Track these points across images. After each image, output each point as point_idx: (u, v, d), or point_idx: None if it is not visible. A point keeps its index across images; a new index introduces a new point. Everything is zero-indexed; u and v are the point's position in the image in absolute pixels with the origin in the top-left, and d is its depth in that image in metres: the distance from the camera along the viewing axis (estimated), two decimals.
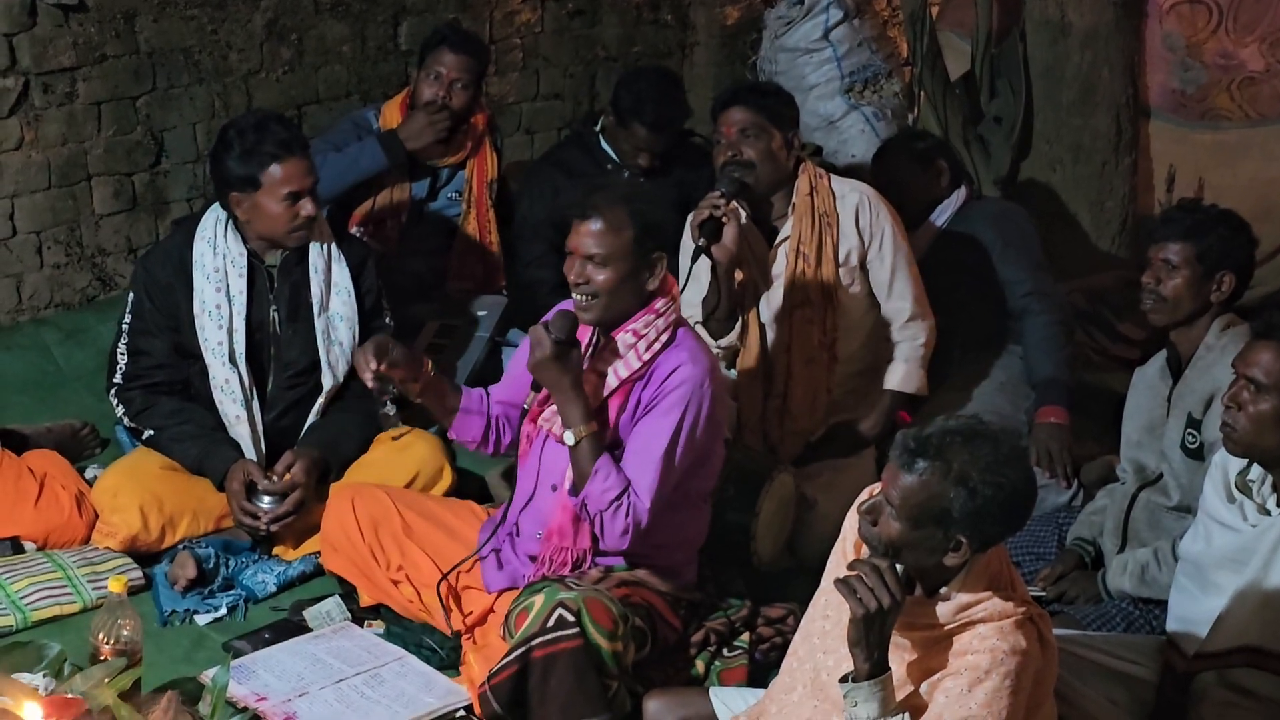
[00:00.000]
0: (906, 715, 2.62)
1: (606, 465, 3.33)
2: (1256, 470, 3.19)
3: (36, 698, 3.00)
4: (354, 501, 3.70)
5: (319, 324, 4.06)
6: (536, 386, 3.43)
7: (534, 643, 3.15)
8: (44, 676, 3.18)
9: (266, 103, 5.22)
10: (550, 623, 3.15)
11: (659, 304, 3.41)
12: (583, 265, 3.35)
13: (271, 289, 4.04)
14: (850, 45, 6.17)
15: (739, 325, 4.12)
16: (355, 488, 3.81)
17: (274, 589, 3.88)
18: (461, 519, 3.73)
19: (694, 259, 3.95)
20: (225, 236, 4.00)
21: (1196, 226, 3.65)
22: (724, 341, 4.11)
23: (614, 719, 3.19)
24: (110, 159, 5.00)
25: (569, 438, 3.34)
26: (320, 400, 4.08)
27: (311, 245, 4.04)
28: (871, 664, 2.61)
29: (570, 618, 3.15)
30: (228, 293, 3.99)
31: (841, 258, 4.17)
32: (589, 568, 3.43)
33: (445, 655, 3.59)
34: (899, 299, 4.26)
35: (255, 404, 4.03)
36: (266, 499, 3.93)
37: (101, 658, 3.18)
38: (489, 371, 4.65)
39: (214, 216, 4.03)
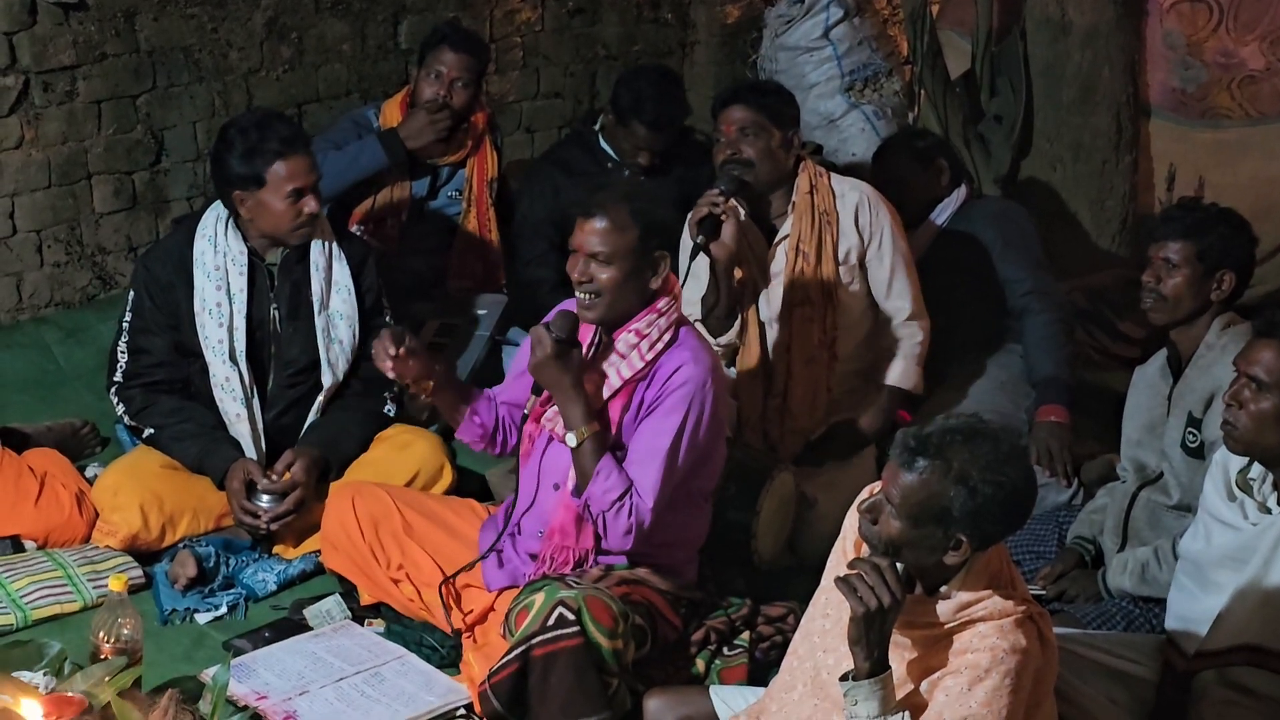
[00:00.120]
0: (906, 714, 2.62)
1: (609, 466, 3.33)
2: (1257, 469, 3.19)
3: (37, 696, 3.00)
4: (354, 500, 3.70)
5: (319, 322, 4.06)
6: (537, 389, 3.43)
7: (534, 641, 3.15)
8: (44, 675, 3.18)
9: (267, 101, 5.22)
10: (550, 621, 3.15)
11: (661, 303, 3.41)
12: (586, 263, 3.35)
13: (272, 287, 4.04)
14: (850, 44, 6.18)
15: (738, 323, 4.12)
16: (355, 486, 3.81)
17: (274, 588, 3.88)
18: (462, 518, 3.73)
19: (693, 257, 3.95)
20: (226, 235, 4.00)
21: (1197, 225, 3.65)
22: (723, 339, 4.12)
23: (614, 717, 3.19)
24: (110, 158, 5.00)
25: (571, 439, 3.34)
26: (320, 399, 4.08)
27: (313, 243, 4.04)
28: (872, 662, 2.61)
29: (570, 616, 3.15)
30: (228, 291, 3.99)
31: (841, 256, 4.17)
32: (590, 566, 3.42)
33: (445, 654, 3.59)
34: (898, 298, 4.26)
35: (255, 402, 4.03)
36: (266, 498, 3.93)
37: (102, 656, 3.18)
38: (489, 370, 4.66)
39: (215, 215, 4.03)
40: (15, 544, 3.88)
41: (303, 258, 4.04)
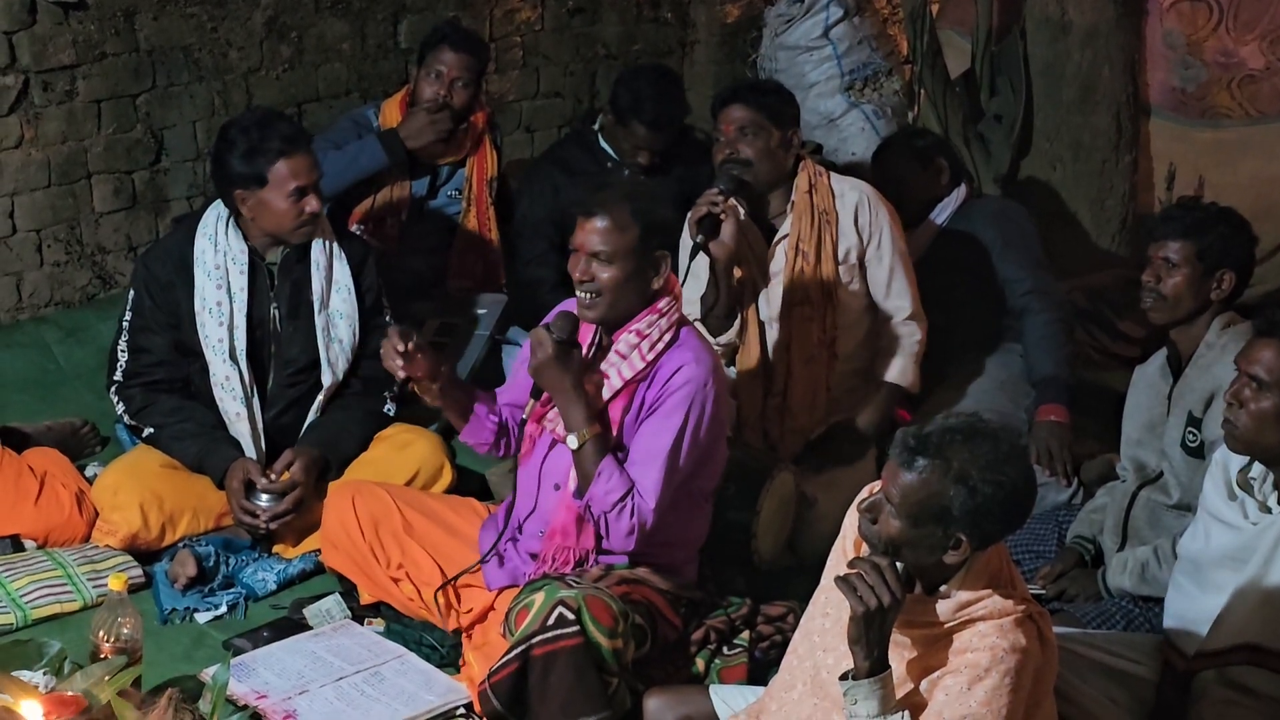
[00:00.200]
0: (906, 713, 2.62)
1: (610, 467, 3.33)
2: (1258, 468, 3.19)
3: (36, 695, 3.00)
4: (354, 499, 3.70)
5: (319, 321, 4.06)
6: (536, 392, 3.42)
7: (534, 640, 3.15)
8: (44, 674, 3.18)
9: (266, 100, 5.22)
10: (550, 621, 3.15)
11: (662, 303, 3.41)
12: (587, 263, 3.35)
13: (272, 286, 4.04)
14: (850, 43, 6.18)
15: (737, 322, 4.12)
16: (356, 485, 3.81)
17: (274, 587, 3.88)
18: (462, 517, 3.73)
19: (692, 256, 3.95)
20: (227, 233, 4.00)
21: (1196, 225, 3.65)
22: (723, 339, 4.11)
23: (614, 717, 3.18)
24: (110, 157, 5.00)
25: (572, 441, 3.33)
26: (320, 398, 4.08)
27: (313, 243, 4.04)
28: (871, 662, 2.61)
29: (570, 616, 3.15)
30: (228, 289, 3.99)
31: (840, 255, 4.17)
32: (591, 566, 3.42)
33: (445, 653, 3.59)
34: (897, 298, 4.26)
35: (255, 401, 4.03)
36: (265, 497, 3.93)
37: (102, 656, 3.17)
38: (489, 370, 4.66)
39: (215, 213, 4.03)
40: (15, 543, 3.88)
41: (303, 257, 4.04)
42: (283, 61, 5.34)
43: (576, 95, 6.28)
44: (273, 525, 3.93)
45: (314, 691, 3.40)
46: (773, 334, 4.20)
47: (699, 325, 3.95)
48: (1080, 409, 4.43)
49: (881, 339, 4.31)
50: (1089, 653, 3.29)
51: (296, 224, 3.94)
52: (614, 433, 3.39)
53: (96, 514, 3.95)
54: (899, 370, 4.29)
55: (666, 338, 3.39)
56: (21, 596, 3.68)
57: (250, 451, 4.01)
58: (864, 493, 2.78)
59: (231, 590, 3.85)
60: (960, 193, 4.79)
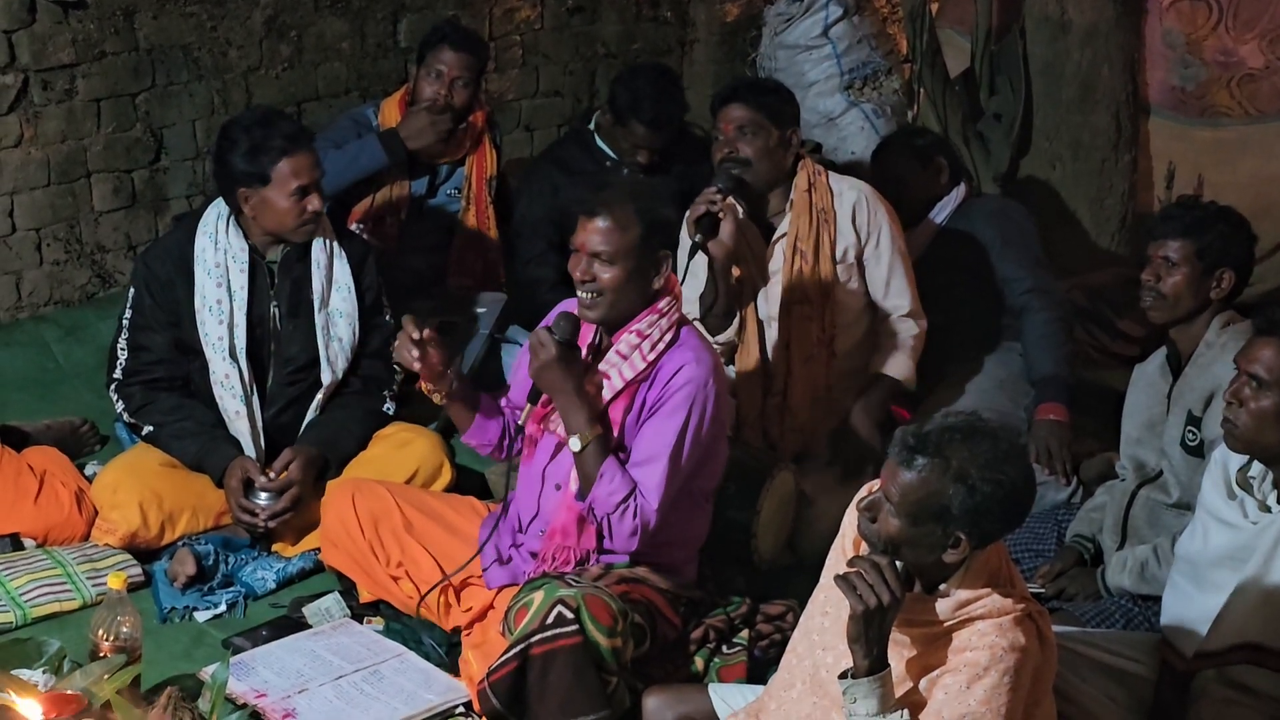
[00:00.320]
0: (905, 712, 2.62)
1: (612, 468, 3.32)
2: (1257, 467, 3.19)
3: (36, 694, 3.00)
4: (354, 497, 3.70)
5: (319, 320, 4.06)
6: (533, 397, 3.42)
7: (533, 639, 3.15)
8: (43, 673, 3.19)
9: (266, 100, 5.22)
10: (549, 620, 3.15)
11: (662, 303, 3.40)
12: (589, 263, 3.34)
13: (272, 285, 4.04)
14: (850, 42, 6.17)
15: (736, 321, 4.12)
16: (355, 483, 3.80)
17: (273, 586, 3.88)
18: (462, 515, 3.73)
19: (691, 255, 3.95)
20: (227, 232, 4.00)
21: (1196, 224, 3.65)
22: (722, 338, 4.11)
23: (613, 715, 3.18)
24: (110, 156, 5.00)
25: (574, 443, 3.33)
26: (319, 397, 4.08)
27: (314, 241, 4.04)
28: (871, 660, 2.61)
29: (569, 615, 3.15)
30: (229, 288, 3.99)
31: (839, 255, 4.17)
32: (591, 565, 3.42)
33: (445, 652, 3.59)
34: (896, 297, 4.26)
35: (255, 399, 4.03)
36: (264, 495, 3.94)
37: (101, 654, 3.18)
38: (489, 368, 4.66)
39: (216, 212, 4.03)
40: (15, 542, 3.88)
41: (303, 256, 4.04)
42: (282, 60, 5.34)
43: (576, 94, 6.28)
44: (271, 524, 3.93)
45: (313, 690, 3.40)
46: (772, 333, 4.20)
47: (698, 324, 3.95)
48: (1080, 408, 4.43)
49: (880, 336, 4.31)
50: (1088, 651, 3.29)
51: (298, 223, 3.94)
52: (615, 433, 3.38)
53: (96, 512, 3.95)
54: (895, 364, 4.28)
55: (667, 338, 3.39)
56: (21, 595, 3.68)
57: (249, 450, 4.01)
58: (863, 491, 2.78)
59: (231, 589, 3.85)
60: (959, 192, 4.79)
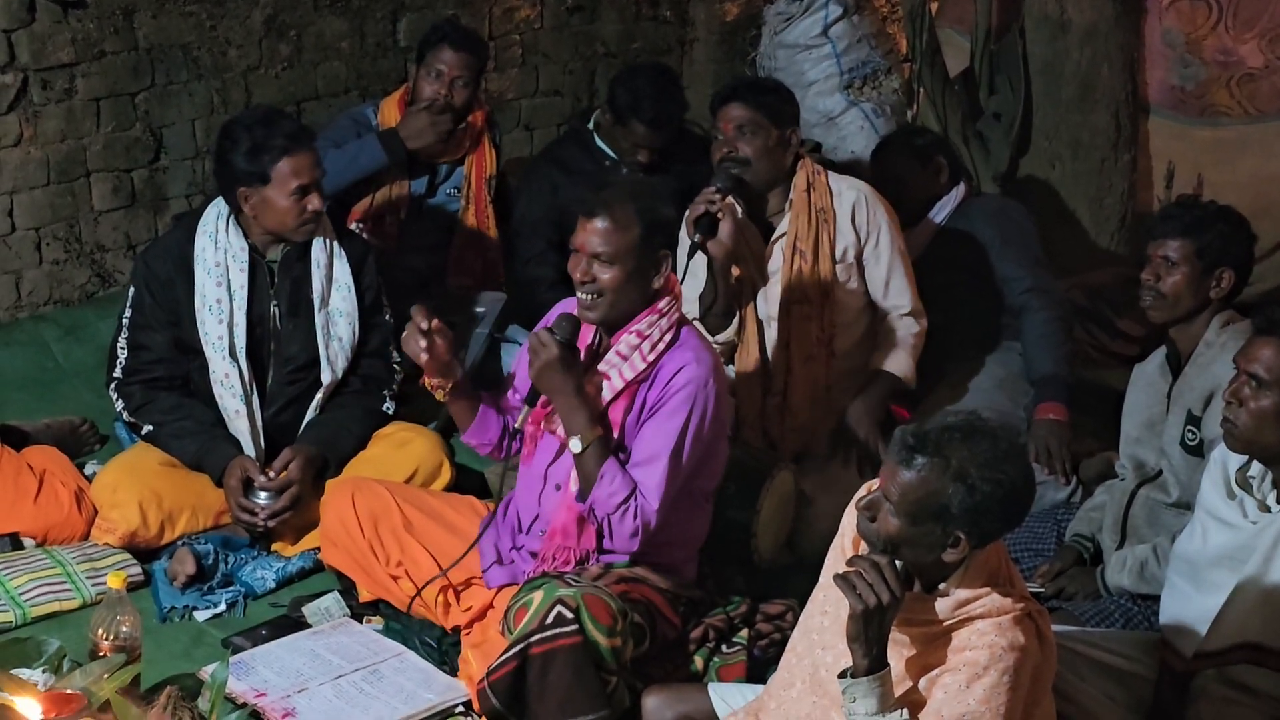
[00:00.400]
0: (905, 711, 2.62)
1: (613, 469, 3.32)
2: (1257, 466, 3.19)
3: (35, 693, 3.00)
4: (354, 496, 3.69)
5: (319, 319, 4.06)
6: (531, 400, 3.42)
7: (532, 639, 3.14)
8: (43, 672, 3.19)
9: (265, 99, 5.22)
10: (549, 619, 3.15)
11: (662, 303, 3.39)
12: (589, 263, 3.34)
13: (272, 284, 4.04)
14: (849, 41, 6.17)
15: (736, 321, 4.12)
16: (355, 482, 3.80)
17: (273, 585, 3.88)
18: (461, 515, 3.73)
19: (690, 255, 3.95)
20: (227, 231, 4.00)
21: (1195, 223, 3.65)
22: (721, 337, 4.11)
23: (612, 715, 3.18)
24: (109, 155, 5.00)
25: (575, 445, 3.32)
26: (319, 396, 4.08)
27: (314, 241, 4.04)
28: (870, 660, 2.61)
29: (569, 614, 3.15)
30: (228, 287, 3.99)
31: (838, 254, 4.17)
32: (590, 565, 3.42)
33: (444, 651, 3.59)
34: (896, 296, 4.26)
35: (255, 399, 4.03)
36: (263, 495, 3.94)
37: (101, 654, 3.18)
38: (489, 368, 4.66)
39: (215, 211, 4.03)
40: (14, 541, 3.88)
41: (303, 255, 4.04)
42: (281, 60, 5.33)
43: (576, 93, 6.28)
44: (271, 523, 3.93)
45: (313, 689, 3.40)
46: (771, 333, 4.20)
47: (698, 324, 3.95)
48: (1079, 407, 4.43)
49: (880, 334, 4.31)
50: (1088, 651, 3.29)
51: (299, 222, 3.94)
52: (615, 434, 3.38)
53: (95, 512, 3.95)
54: (895, 361, 4.27)
55: (667, 338, 3.39)
56: (20, 594, 3.68)
57: (249, 449, 4.01)
58: (863, 491, 2.78)
59: (230, 588, 3.85)
60: (959, 191, 4.79)
